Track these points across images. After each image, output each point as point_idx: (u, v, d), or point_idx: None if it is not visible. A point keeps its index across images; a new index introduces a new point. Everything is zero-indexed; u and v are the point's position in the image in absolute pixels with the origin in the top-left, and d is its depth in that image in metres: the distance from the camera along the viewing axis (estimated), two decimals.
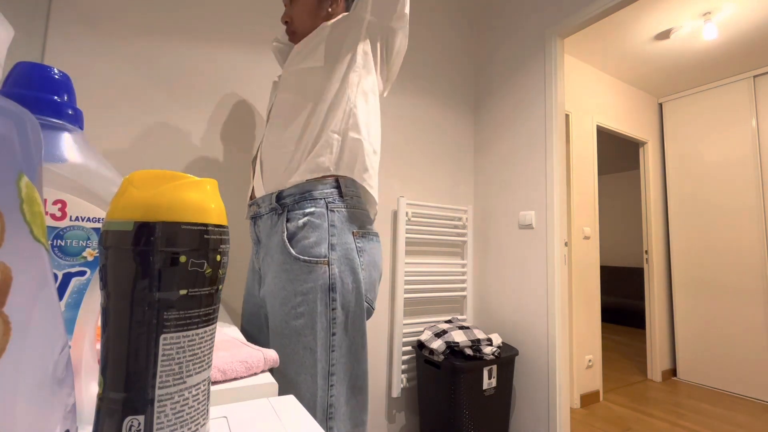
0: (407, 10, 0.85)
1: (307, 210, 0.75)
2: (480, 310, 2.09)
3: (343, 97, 0.80)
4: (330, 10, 0.93)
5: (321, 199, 0.75)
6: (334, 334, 0.72)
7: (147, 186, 0.22)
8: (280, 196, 0.78)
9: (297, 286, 0.72)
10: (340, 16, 0.88)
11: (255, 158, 0.93)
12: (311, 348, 0.70)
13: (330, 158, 0.77)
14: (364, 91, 0.83)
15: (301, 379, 0.69)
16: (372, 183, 0.81)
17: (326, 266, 0.72)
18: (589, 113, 2.81)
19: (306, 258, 0.72)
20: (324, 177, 0.77)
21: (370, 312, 0.79)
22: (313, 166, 0.76)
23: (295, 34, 0.94)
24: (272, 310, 0.76)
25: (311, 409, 0.68)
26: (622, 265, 5.41)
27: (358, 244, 0.77)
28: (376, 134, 0.84)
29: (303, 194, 0.76)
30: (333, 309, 0.72)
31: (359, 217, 0.79)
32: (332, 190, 0.77)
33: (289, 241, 0.74)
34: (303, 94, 0.81)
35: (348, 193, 0.78)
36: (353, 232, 0.77)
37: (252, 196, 0.90)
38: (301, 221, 0.74)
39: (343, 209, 0.77)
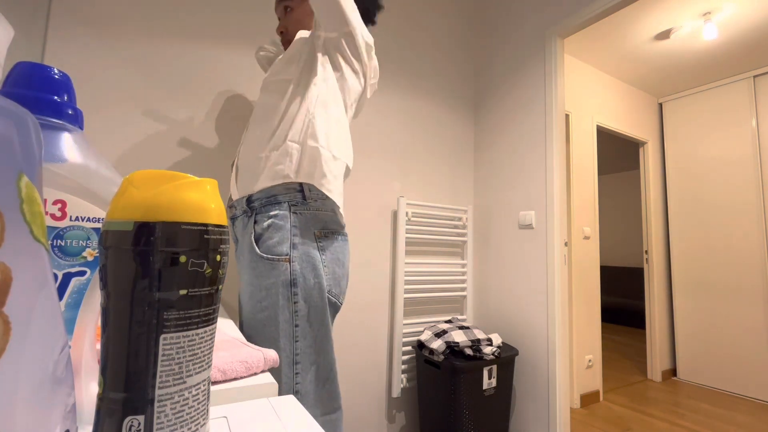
0: (351, 15, 0.90)
1: (272, 213, 0.81)
2: (480, 310, 2.09)
3: (302, 108, 0.86)
4: None
5: (285, 202, 0.82)
6: (297, 326, 0.78)
7: (147, 186, 0.22)
8: (249, 200, 0.85)
9: (261, 281, 0.79)
10: (308, 32, 0.96)
11: (234, 162, 0.98)
12: (274, 338, 0.76)
13: (290, 166, 0.83)
14: (324, 101, 0.89)
15: None
16: (330, 187, 0.85)
17: (287, 263, 0.79)
18: (589, 113, 2.81)
19: (269, 256, 0.79)
20: (287, 183, 0.83)
21: (336, 306, 0.85)
22: (273, 173, 0.82)
23: (290, 43, 1.00)
24: (242, 304, 0.83)
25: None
26: (622, 265, 5.41)
27: (320, 244, 0.83)
28: (337, 141, 0.89)
29: (269, 198, 0.83)
30: (295, 302, 0.78)
31: (322, 219, 0.85)
32: (296, 194, 0.83)
33: (255, 242, 0.81)
34: (274, 106, 0.89)
35: (312, 196, 0.84)
36: (315, 233, 0.83)
37: (230, 199, 0.96)
38: (266, 223, 0.81)
39: (306, 212, 0.83)
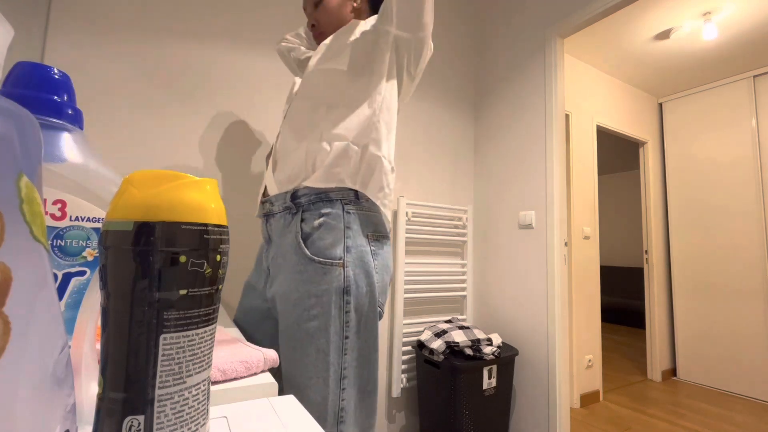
0: (429, 18, 0.82)
1: (323, 210, 0.74)
2: (480, 310, 2.09)
3: (369, 109, 0.78)
4: (355, 4, 0.93)
5: (337, 200, 0.75)
6: (347, 338, 0.71)
7: (147, 186, 0.22)
8: (295, 195, 0.76)
9: (311, 287, 0.71)
10: (369, 21, 0.86)
11: (270, 154, 0.91)
12: (324, 351, 0.69)
13: (347, 170, 0.75)
14: (389, 106, 0.82)
15: (312, 382, 0.68)
16: (386, 202, 0.79)
17: (341, 268, 0.71)
18: (589, 113, 2.81)
19: (321, 259, 0.71)
20: (341, 186, 0.76)
21: (380, 315, 0.79)
22: (330, 175, 0.75)
23: (323, 35, 0.93)
24: (284, 311, 0.74)
25: (322, 412, 0.67)
26: (622, 265, 5.41)
27: (372, 247, 0.76)
28: (392, 151, 0.83)
29: (319, 194, 0.75)
30: (347, 312, 0.71)
31: (374, 221, 0.78)
32: (349, 191, 0.76)
33: (303, 242, 0.73)
34: (325, 96, 0.80)
35: (363, 196, 0.78)
36: (368, 235, 0.76)
37: (265, 194, 0.87)
38: (316, 222, 0.73)
39: (359, 211, 0.76)
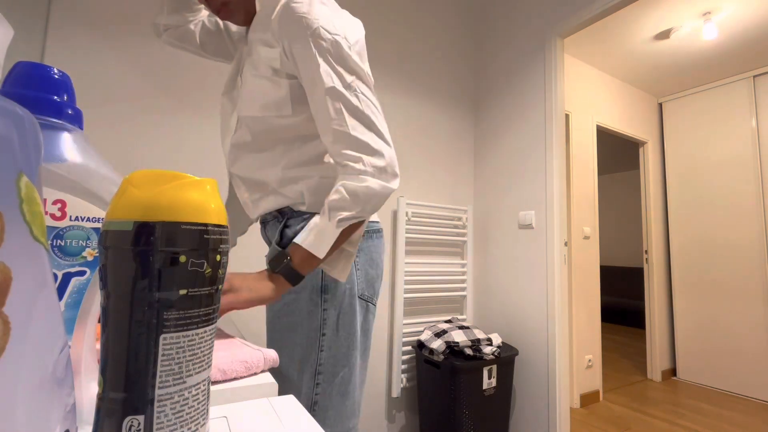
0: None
1: (305, 216, 0.76)
2: (480, 310, 2.09)
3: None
4: None
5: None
6: (323, 335, 0.73)
7: (147, 186, 0.22)
8: (281, 211, 0.81)
9: None
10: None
11: None
12: (300, 344, 0.72)
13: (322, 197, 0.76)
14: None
15: (289, 372, 0.72)
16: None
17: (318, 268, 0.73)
18: (589, 113, 2.81)
19: None
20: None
21: (370, 309, 0.80)
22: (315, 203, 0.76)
23: (232, 15, 0.76)
24: (268, 306, 0.79)
25: None
26: (622, 265, 5.41)
27: None
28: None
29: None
30: (324, 309, 0.73)
31: None
32: None
33: (281, 242, 0.76)
34: None
35: None
36: None
37: None
38: (298, 227, 0.75)
39: None
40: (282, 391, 0.68)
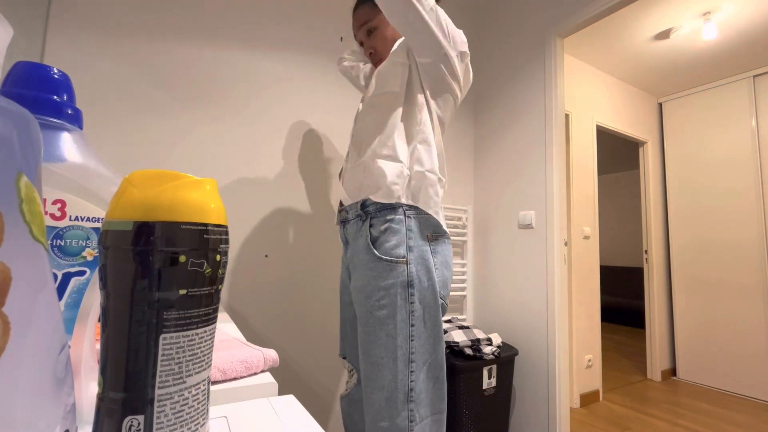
0: (439, 36, 0.88)
1: (388, 217, 0.86)
2: (480, 310, 2.09)
3: (410, 129, 0.90)
4: None
5: (399, 208, 0.87)
6: (413, 326, 0.81)
7: (147, 186, 0.22)
8: (364, 205, 0.90)
9: (380, 282, 0.83)
10: (396, 48, 0.96)
11: (341, 172, 1.04)
12: (392, 335, 0.80)
13: (402, 188, 0.87)
14: (424, 133, 0.91)
15: (384, 361, 0.80)
16: (437, 209, 0.90)
17: (405, 265, 0.83)
18: (589, 113, 2.81)
19: (388, 258, 0.83)
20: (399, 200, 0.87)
21: (444, 308, 0.88)
22: (389, 192, 0.86)
23: (381, 61, 1.03)
24: (358, 302, 0.87)
25: (393, 391, 0.78)
26: (622, 265, 5.41)
27: (431, 246, 0.87)
28: (436, 162, 0.92)
29: (384, 204, 0.88)
30: (411, 303, 0.82)
31: (431, 223, 0.89)
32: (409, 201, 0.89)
33: (372, 244, 0.86)
34: (378, 121, 0.92)
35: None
36: (427, 236, 0.88)
37: (341, 204, 1.01)
38: (382, 227, 0.86)
39: (418, 217, 0.88)
40: (373, 381, 0.79)
